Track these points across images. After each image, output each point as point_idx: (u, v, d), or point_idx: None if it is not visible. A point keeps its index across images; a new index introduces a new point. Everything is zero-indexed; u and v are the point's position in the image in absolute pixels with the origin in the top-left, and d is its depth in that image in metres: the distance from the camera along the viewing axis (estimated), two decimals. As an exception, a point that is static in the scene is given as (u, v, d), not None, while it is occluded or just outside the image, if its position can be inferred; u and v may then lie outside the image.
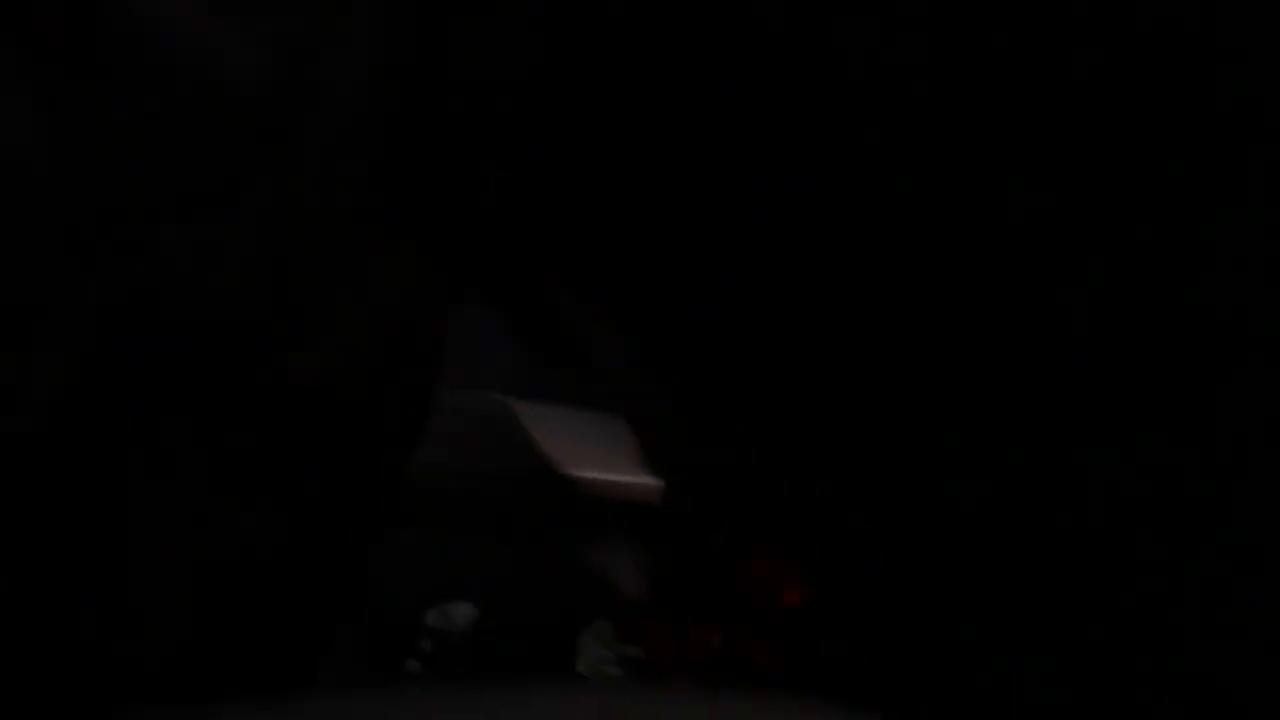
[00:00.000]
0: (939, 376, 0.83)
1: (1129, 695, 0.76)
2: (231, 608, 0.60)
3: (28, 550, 0.53)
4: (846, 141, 0.82)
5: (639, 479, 0.92)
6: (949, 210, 0.80)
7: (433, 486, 0.89)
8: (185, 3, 0.51)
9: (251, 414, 0.58)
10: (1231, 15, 0.69)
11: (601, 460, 0.92)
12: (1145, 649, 0.76)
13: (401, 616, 0.89)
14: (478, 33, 0.67)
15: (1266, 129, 0.69)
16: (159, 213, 0.52)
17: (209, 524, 0.58)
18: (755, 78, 0.81)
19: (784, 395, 0.89)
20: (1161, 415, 0.76)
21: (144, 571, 0.56)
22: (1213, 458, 0.73)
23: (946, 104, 0.78)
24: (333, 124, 0.57)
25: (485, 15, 0.67)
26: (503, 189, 0.73)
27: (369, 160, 0.60)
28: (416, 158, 0.63)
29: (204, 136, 0.52)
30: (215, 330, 0.55)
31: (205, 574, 0.59)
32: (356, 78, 0.57)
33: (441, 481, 0.89)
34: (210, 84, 0.51)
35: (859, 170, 0.82)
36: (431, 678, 0.86)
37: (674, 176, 0.85)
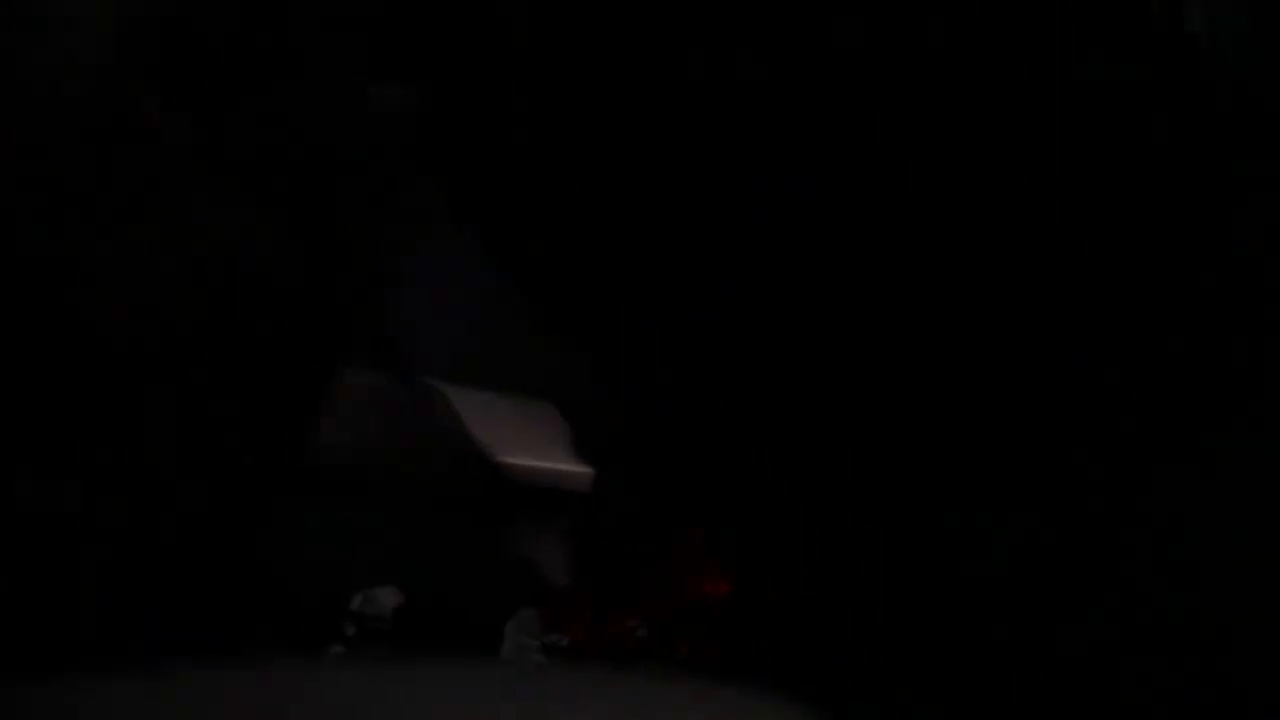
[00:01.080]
0: (936, 377, 0.83)
1: (1127, 696, 0.76)
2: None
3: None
4: (847, 141, 0.82)
5: (568, 466, 0.92)
6: (949, 211, 0.81)
7: (361, 469, 0.88)
8: None
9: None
10: (1232, 15, 0.70)
11: (531, 446, 0.91)
12: (1143, 650, 0.76)
13: (325, 600, 0.88)
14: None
15: (1266, 129, 0.70)
16: None
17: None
18: (756, 77, 0.81)
19: (774, 393, 0.89)
20: (1161, 417, 0.76)
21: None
22: (1213, 461, 0.74)
23: (948, 104, 0.79)
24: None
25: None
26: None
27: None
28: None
29: None
30: None
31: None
32: None
33: (370, 464, 0.88)
34: None
35: (859, 170, 0.82)
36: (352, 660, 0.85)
37: (673, 175, 0.85)
